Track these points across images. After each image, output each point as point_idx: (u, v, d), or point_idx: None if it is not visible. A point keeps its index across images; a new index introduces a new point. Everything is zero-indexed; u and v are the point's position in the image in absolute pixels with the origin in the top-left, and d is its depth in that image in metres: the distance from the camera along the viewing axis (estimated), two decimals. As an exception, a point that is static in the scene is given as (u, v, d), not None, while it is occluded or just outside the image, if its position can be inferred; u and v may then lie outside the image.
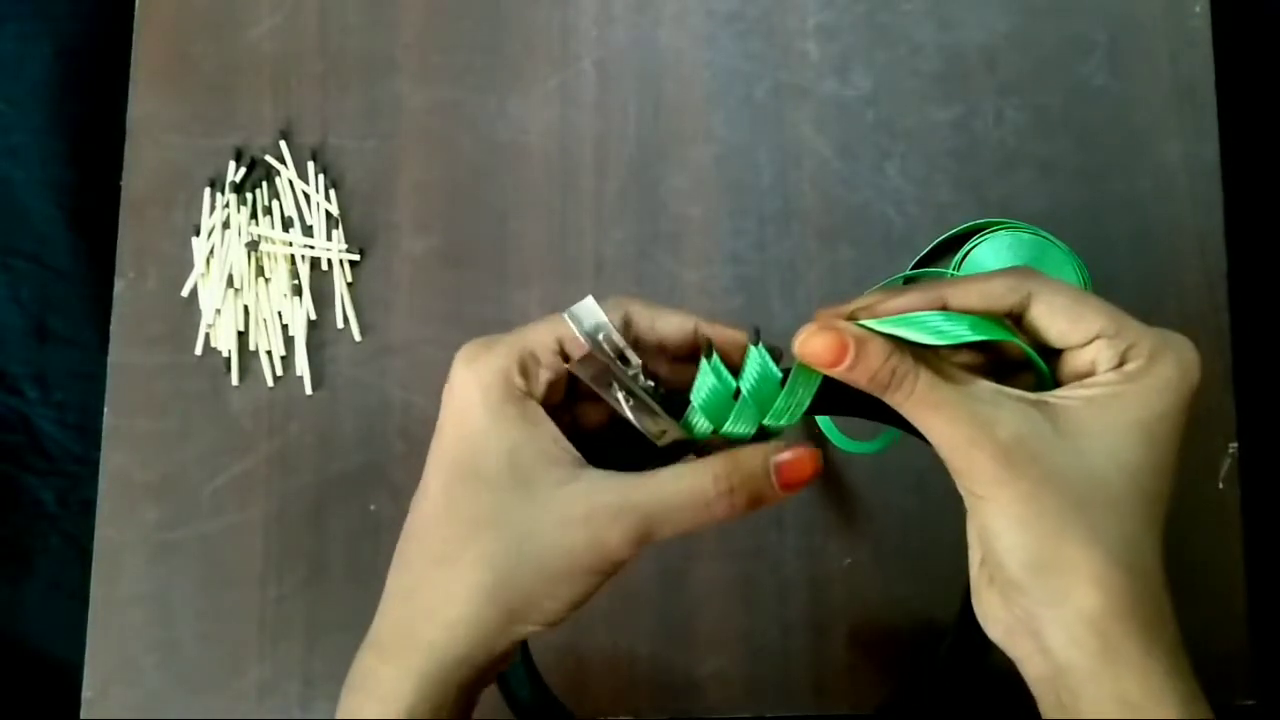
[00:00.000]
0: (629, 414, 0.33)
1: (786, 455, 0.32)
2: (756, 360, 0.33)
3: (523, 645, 0.39)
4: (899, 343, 0.31)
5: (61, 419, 0.61)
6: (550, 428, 0.33)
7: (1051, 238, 0.54)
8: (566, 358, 0.34)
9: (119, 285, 0.57)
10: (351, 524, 0.55)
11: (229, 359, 0.56)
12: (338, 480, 0.55)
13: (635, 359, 0.34)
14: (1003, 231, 0.54)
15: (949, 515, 0.55)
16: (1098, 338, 0.32)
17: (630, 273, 0.57)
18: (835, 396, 0.34)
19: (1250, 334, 0.56)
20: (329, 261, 0.57)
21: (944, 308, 0.33)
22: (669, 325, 0.35)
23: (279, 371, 0.56)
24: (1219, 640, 0.53)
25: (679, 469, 0.32)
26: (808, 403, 0.34)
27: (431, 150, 0.58)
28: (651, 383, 0.34)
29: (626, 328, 0.34)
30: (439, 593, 0.32)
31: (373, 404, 0.56)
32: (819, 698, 0.53)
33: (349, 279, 0.57)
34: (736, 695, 0.53)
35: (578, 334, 0.33)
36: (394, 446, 0.56)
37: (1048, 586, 0.30)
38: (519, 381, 0.33)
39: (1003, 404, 0.31)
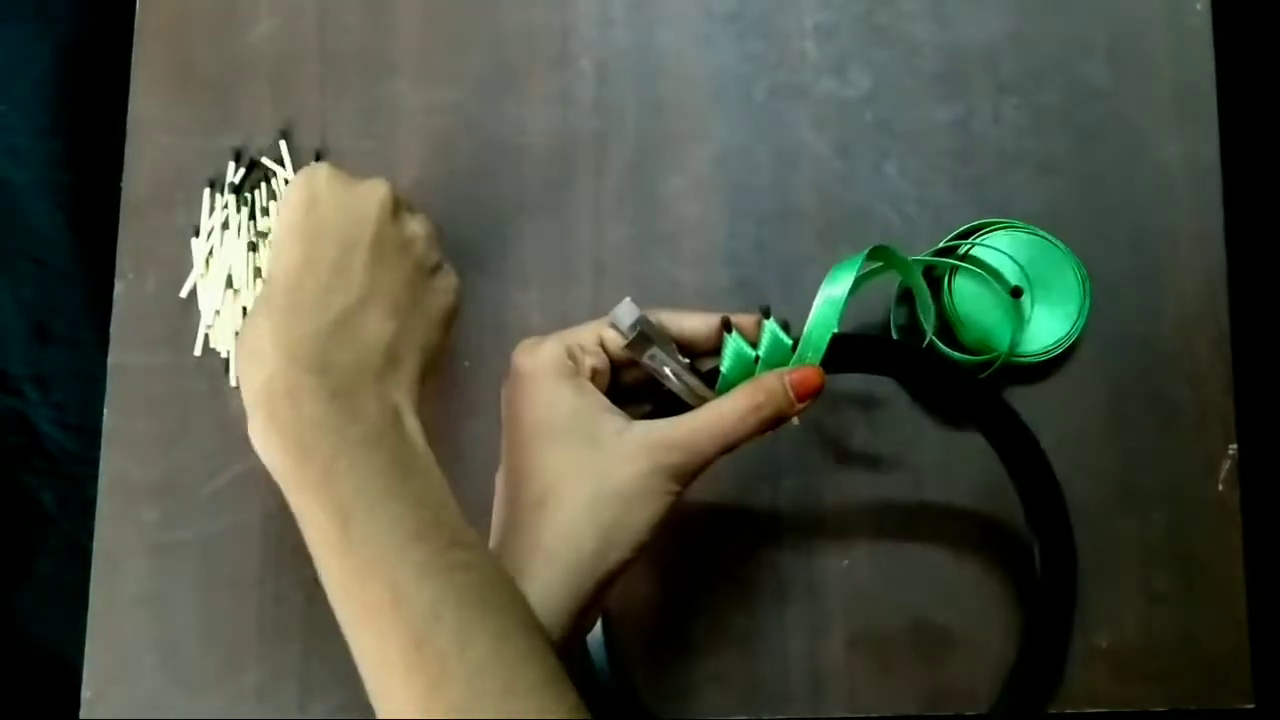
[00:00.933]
0: (674, 381, 0.42)
1: (796, 373, 0.41)
2: (769, 331, 0.42)
3: (605, 627, 0.48)
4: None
5: (61, 419, 0.62)
6: (600, 395, 0.41)
7: (1050, 238, 0.54)
8: (608, 353, 0.42)
9: (119, 286, 0.57)
10: (350, 524, 0.55)
11: (228, 360, 0.56)
12: (336, 481, 0.55)
13: (672, 344, 0.42)
14: (1001, 231, 0.54)
15: (947, 516, 0.55)
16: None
17: (629, 273, 0.57)
18: (838, 358, 0.42)
19: (1250, 334, 0.56)
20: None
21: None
22: (693, 323, 0.43)
23: (277, 372, 0.56)
24: (1218, 642, 0.53)
25: (715, 402, 0.41)
26: (816, 363, 0.42)
27: (430, 151, 0.58)
28: (687, 360, 0.43)
29: (682, 331, 0.43)
30: (541, 531, 0.38)
31: (371, 405, 0.56)
32: (816, 699, 0.53)
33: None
34: (734, 696, 0.53)
35: (622, 327, 0.41)
36: (393, 447, 0.56)
37: None
38: (569, 364, 0.41)
39: None
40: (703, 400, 0.42)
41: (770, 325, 0.42)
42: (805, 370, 0.41)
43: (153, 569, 0.55)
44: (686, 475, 0.39)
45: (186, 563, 0.55)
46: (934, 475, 0.55)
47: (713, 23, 0.59)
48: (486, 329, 0.56)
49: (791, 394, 0.41)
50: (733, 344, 0.42)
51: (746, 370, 0.42)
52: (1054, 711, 0.53)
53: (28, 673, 0.61)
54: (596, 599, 0.39)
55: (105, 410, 0.56)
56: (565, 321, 0.56)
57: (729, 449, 0.40)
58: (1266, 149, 0.61)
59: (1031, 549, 0.49)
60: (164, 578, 0.55)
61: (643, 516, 0.39)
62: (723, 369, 0.43)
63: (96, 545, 0.55)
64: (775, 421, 0.40)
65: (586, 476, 0.39)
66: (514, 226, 0.57)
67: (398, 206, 0.43)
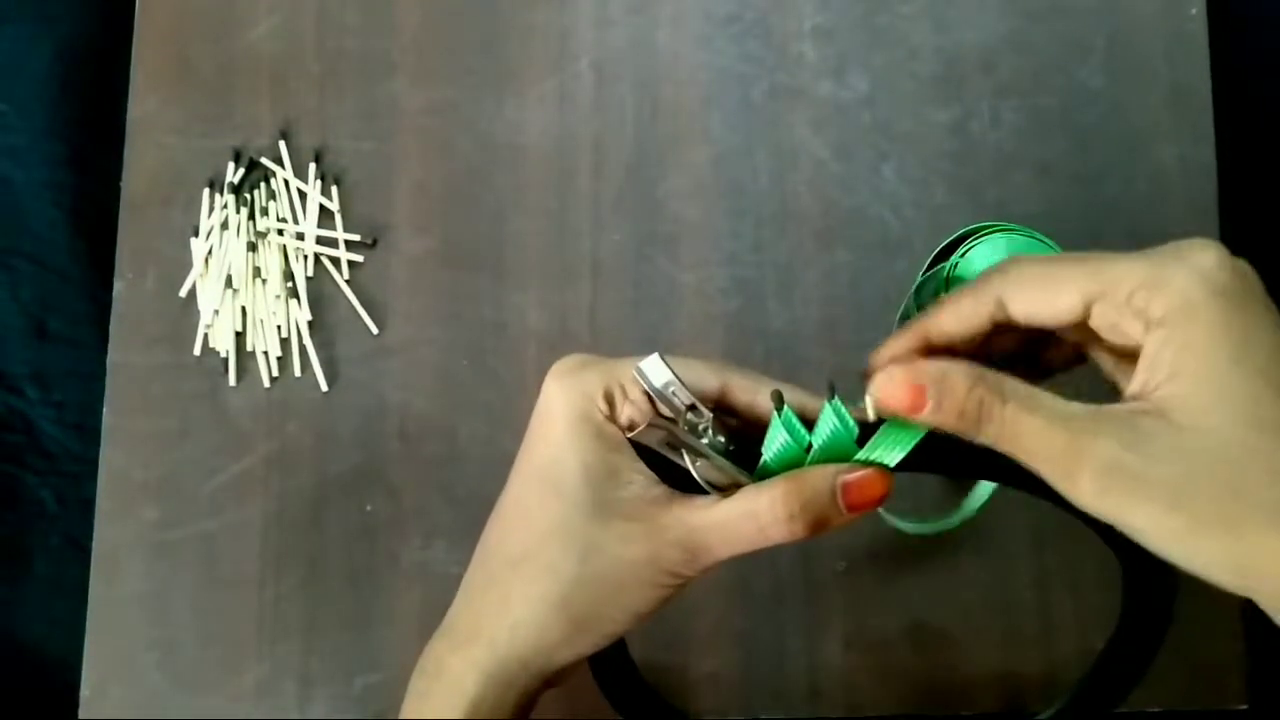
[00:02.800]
0: (696, 476, 0.33)
1: (855, 475, 0.31)
2: (831, 415, 0.32)
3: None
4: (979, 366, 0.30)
5: (61, 418, 0.62)
6: (625, 451, 0.33)
7: (1048, 240, 0.54)
8: (652, 399, 0.34)
9: (118, 285, 0.57)
10: (349, 524, 0.55)
11: (227, 359, 0.56)
12: (335, 481, 0.56)
13: (706, 412, 0.33)
14: (998, 234, 0.54)
15: (944, 517, 0.55)
16: (1094, 302, 0.30)
17: (627, 274, 0.57)
18: (919, 454, 0.32)
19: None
20: (329, 261, 0.57)
21: (928, 343, 0.33)
22: (738, 386, 0.35)
23: (275, 372, 0.56)
24: (1213, 645, 0.53)
25: (745, 495, 0.32)
26: (889, 465, 0.32)
27: (429, 151, 0.58)
28: (721, 439, 0.34)
29: (723, 395, 0.35)
30: (508, 593, 0.34)
31: (370, 405, 0.56)
32: (814, 700, 0.53)
33: (346, 275, 0.57)
34: (731, 697, 0.54)
35: (646, 388, 0.33)
36: (391, 447, 0.56)
37: (1249, 587, 0.28)
38: (602, 406, 0.34)
39: (1099, 424, 0.29)
40: (734, 482, 0.33)
41: (833, 408, 0.32)
42: (867, 473, 0.31)
43: (152, 568, 0.55)
44: (689, 573, 0.33)
45: (186, 562, 0.55)
46: (933, 475, 0.55)
47: (711, 24, 0.59)
48: (485, 329, 0.57)
49: (842, 502, 0.31)
50: (782, 425, 0.32)
51: (794, 459, 0.33)
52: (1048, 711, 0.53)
53: (26, 671, 0.61)
54: (557, 679, 0.35)
55: (105, 409, 0.56)
56: (564, 322, 0.57)
57: (746, 553, 0.32)
58: (1262, 152, 0.61)
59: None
60: (163, 577, 0.55)
61: (627, 607, 0.33)
62: (765, 454, 0.33)
63: (96, 544, 0.55)
64: (814, 531, 0.31)
65: (573, 548, 0.32)
66: (512, 227, 0.58)
67: None
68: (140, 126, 0.59)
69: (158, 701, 0.54)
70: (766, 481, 0.32)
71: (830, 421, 0.32)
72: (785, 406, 0.33)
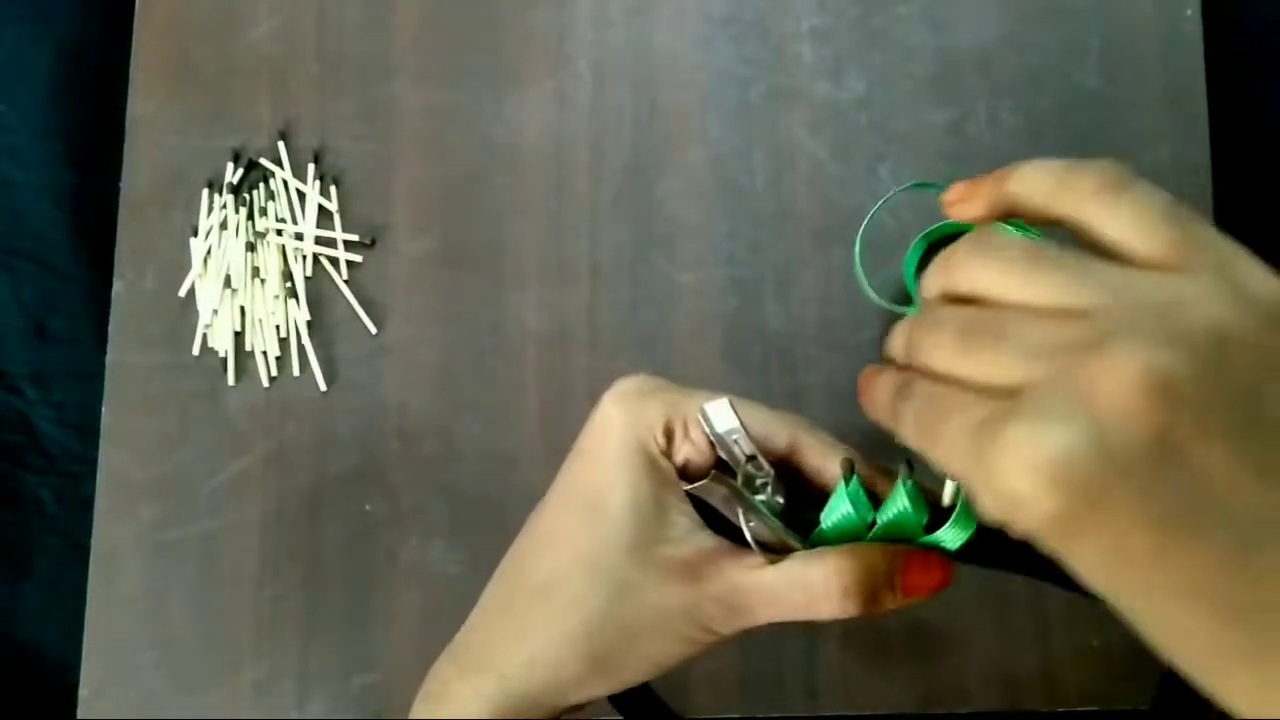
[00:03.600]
0: (749, 536, 0.31)
1: (915, 558, 0.30)
2: (902, 497, 0.30)
3: None
4: None
5: (60, 418, 0.62)
6: (676, 491, 0.31)
7: (1044, 242, 0.54)
8: (713, 443, 0.32)
9: (117, 285, 0.57)
10: (347, 524, 0.55)
11: (225, 359, 0.56)
12: (334, 480, 0.56)
13: (767, 467, 0.32)
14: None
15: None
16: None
17: (626, 275, 0.57)
18: (985, 548, 0.30)
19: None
20: (328, 261, 0.57)
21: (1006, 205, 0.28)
22: (808, 446, 0.32)
23: (274, 372, 0.56)
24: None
25: (796, 562, 0.30)
26: (953, 548, 0.30)
27: (428, 152, 0.59)
28: (780, 499, 0.32)
29: (790, 453, 0.32)
30: (527, 623, 0.31)
31: (369, 405, 0.56)
32: (812, 699, 0.53)
33: (344, 276, 0.57)
34: (729, 695, 0.54)
35: (709, 432, 0.31)
36: (390, 447, 0.56)
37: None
38: (660, 439, 0.32)
39: None
40: (784, 544, 0.31)
41: (906, 488, 0.30)
42: (927, 558, 0.30)
43: (151, 568, 0.55)
44: (724, 632, 0.30)
45: (184, 561, 0.55)
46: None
47: (709, 25, 0.59)
48: (483, 329, 0.57)
49: (900, 584, 0.30)
50: (847, 497, 0.30)
51: (854, 533, 0.31)
52: (1045, 710, 0.53)
53: (25, 671, 0.61)
54: (566, 714, 0.32)
55: (104, 409, 0.56)
56: (562, 322, 0.57)
57: (788, 621, 0.30)
58: (1256, 153, 0.62)
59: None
60: (162, 576, 0.55)
61: (651, 657, 0.31)
62: (824, 522, 0.31)
63: (95, 544, 0.55)
64: (863, 609, 0.29)
65: (604, 584, 0.30)
66: (511, 227, 0.58)
67: None
68: (140, 127, 0.59)
69: (156, 701, 0.54)
70: (819, 550, 0.30)
71: (901, 502, 0.30)
72: (855, 477, 0.31)
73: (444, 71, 0.59)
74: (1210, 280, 0.22)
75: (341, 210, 0.58)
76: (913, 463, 0.29)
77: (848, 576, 0.29)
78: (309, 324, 0.57)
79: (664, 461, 0.31)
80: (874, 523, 0.31)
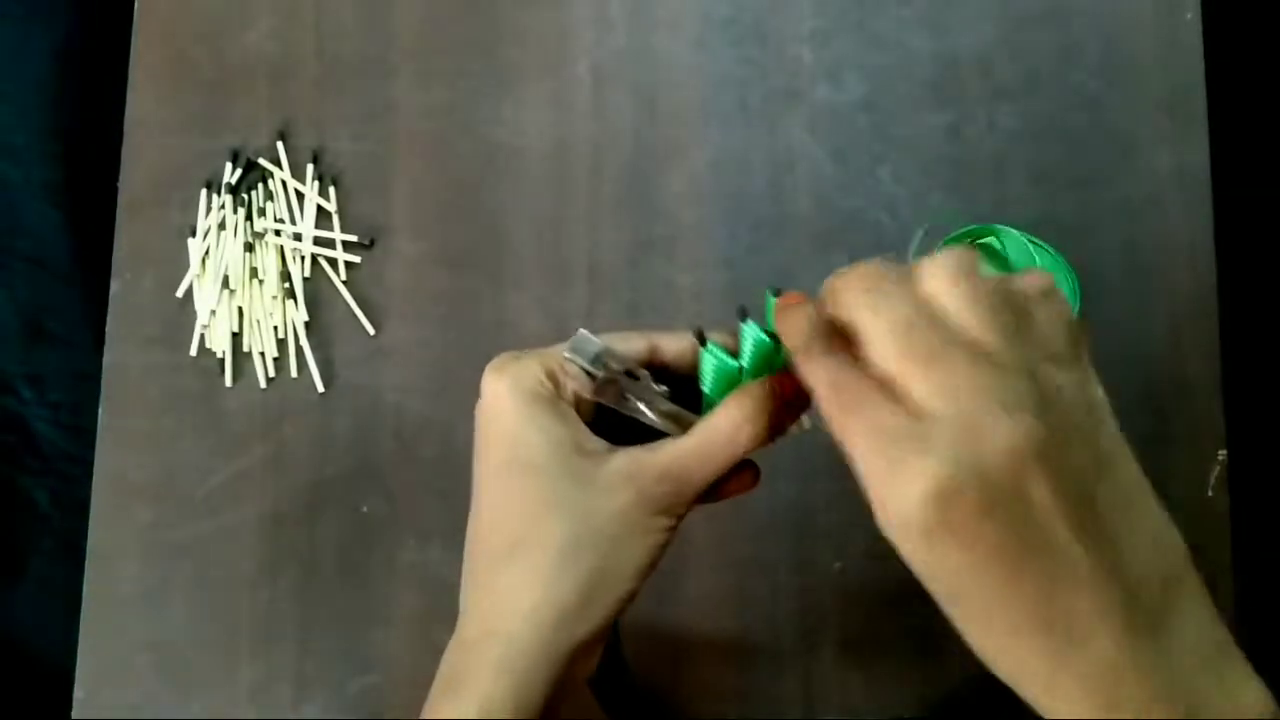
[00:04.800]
0: (655, 420, 0.35)
1: (784, 374, 0.34)
2: (748, 334, 0.35)
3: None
4: None
5: (56, 419, 0.62)
6: (580, 423, 0.35)
7: (1042, 244, 0.54)
8: (592, 376, 0.35)
9: (115, 286, 0.57)
10: (344, 525, 0.55)
11: (223, 360, 0.56)
12: (331, 482, 0.56)
13: (643, 372, 0.36)
14: (992, 238, 0.54)
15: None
16: None
17: (624, 277, 0.57)
18: None
19: (1239, 341, 0.57)
20: (327, 262, 0.57)
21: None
22: (667, 344, 0.37)
23: (271, 373, 0.56)
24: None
25: (702, 422, 0.34)
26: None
27: (427, 153, 0.58)
28: (664, 387, 0.36)
29: (652, 355, 0.36)
30: (512, 583, 0.33)
31: (366, 406, 0.56)
32: (809, 706, 0.53)
33: (343, 276, 0.57)
34: (727, 701, 0.53)
35: (583, 364, 0.35)
36: (387, 448, 0.56)
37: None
38: (548, 384, 0.35)
39: None
40: (684, 421, 0.36)
41: (749, 328, 0.35)
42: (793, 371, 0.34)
43: (147, 569, 0.55)
44: (678, 508, 0.34)
45: (180, 563, 0.55)
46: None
47: (709, 28, 0.59)
48: (482, 331, 0.57)
49: (780, 394, 0.34)
50: (710, 359, 0.36)
51: (731, 384, 0.36)
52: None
53: (20, 672, 0.61)
54: (574, 667, 0.34)
55: (100, 410, 0.56)
56: (561, 324, 0.57)
57: (722, 472, 0.34)
58: (1256, 157, 0.62)
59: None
60: (158, 578, 0.55)
61: (630, 560, 0.33)
62: (705, 389, 0.36)
63: (90, 545, 0.55)
64: (773, 431, 0.34)
65: (563, 517, 0.33)
66: (510, 229, 0.58)
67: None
68: (138, 126, 0.59)
69: (152, 703, 0.54)
70: (719, 406, 0.35)
71: (752, 336, 0.35)
72: (709, 340, 0.35)
73: (443, 72, 0.59)
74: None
75: (340, 211, 0.58)
76: (744, 308, 0.35)
77: (744, 409, 0.34)
78: (307, 325, 0.57)
79: (561, 402, 0.35)
80: (742, 369, 0.35)
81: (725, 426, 0.34)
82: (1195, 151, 0.57)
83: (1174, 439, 0.55)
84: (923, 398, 0.27)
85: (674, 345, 0.36)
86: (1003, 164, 0.58)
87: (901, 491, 0.26)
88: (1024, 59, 0.58)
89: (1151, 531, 0.28)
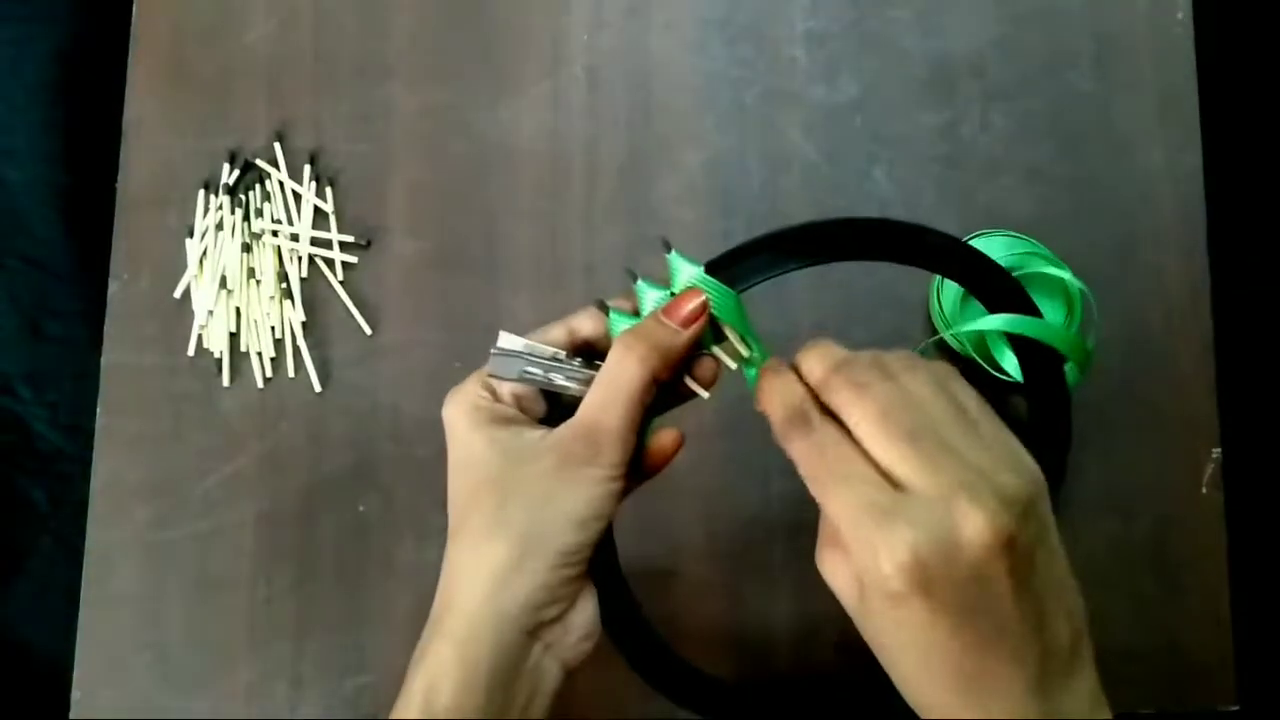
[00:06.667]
0: (572, 386, 0.39)
1: (667, 302, 0.37)
2: (640, 292, 0.38)
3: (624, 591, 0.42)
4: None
5: (54, 419, 0.62)
6: (520, 417, 0.39)
7: (1037, 244, 0.54)
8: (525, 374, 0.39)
9: (113, 286, 0.58)
10: (341, 525, 0.55)
11: (220, 360, 0.56)
12: (328, 481, 0.56)
13: (562, 354, 0.39)
14: (984, 238, 0.54)
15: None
16: None
17: (619, 276, 0.57)
18: (760, 262, 0.40)
19: (1233, 338, 0.57)
20: (324, 262, 0.57)
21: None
22: (581, 323, 0.40)
23: (269, 373, 0.56)
24: (1202, 645, 0.54)
25: (599, 371, 0.37)
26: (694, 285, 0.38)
27: (423, 154, 0.59)
28: (579, 359, 0.39)
29: (571, 336, 0.40)
30: (460, 560, 0.37)
31: (363, 406, 0.56)
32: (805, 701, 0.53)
33: (340, 277, 0.57)
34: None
35: (506, 377, 0.39)
36: (383, 448, 0.56)
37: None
38: (485, 395, 0.39)
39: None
40: None
41: (641, 285, 0.38)
42: (680, 297, 0.37)
43: (144, 568, 0.55)
44: (603, 458, 0.36)
45: (178, 562, 0.55)
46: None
47: (704, 29, 0.60)
48: (478, 331, 0.57)
49: (666, 320, 0.37)
50: (615, 321, 0.38)
51: None
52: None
53: (18, 672, 0.61)
54: (538, 629, 0.36)
55: (98, 410, 0.56)
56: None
57: (636, 412, 0.36)
58: (1248, 155, 0.62)
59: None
60: (155, 578, 0.55)
61: (562, 514, 0.35)
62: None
63: (88, 545, 0.55)
64: (665, 362, 0.36)
65: (493, 491, 0.36)
66: (506, 229, 0.58)
67: None
68: (136, 127, 0.59)
69: (149, 703, 0.54)
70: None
71: (641, 295, 0.38)
72: (610, 308, 0.39)
73: (440, 73, 0.59)
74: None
75: (337, 211, 0.58)
76: (636, 274, 0.38)
77: (623, 341, 0.36)
78: (304, 325, 0.57)
79: (499, 406, 0.38)
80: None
81: (611, 364, 0.37)
82: (1188, 149, 0.57)
83: (1168, 436, 0.55)
84: (905, 475, 0.30)
85: (587, 323, 0.39)
86: (996, 163, 0.58)
87: (884, 555, 0.29)
88: (1017, 59, 0.59)
89: (1069, 604, 0.32)
